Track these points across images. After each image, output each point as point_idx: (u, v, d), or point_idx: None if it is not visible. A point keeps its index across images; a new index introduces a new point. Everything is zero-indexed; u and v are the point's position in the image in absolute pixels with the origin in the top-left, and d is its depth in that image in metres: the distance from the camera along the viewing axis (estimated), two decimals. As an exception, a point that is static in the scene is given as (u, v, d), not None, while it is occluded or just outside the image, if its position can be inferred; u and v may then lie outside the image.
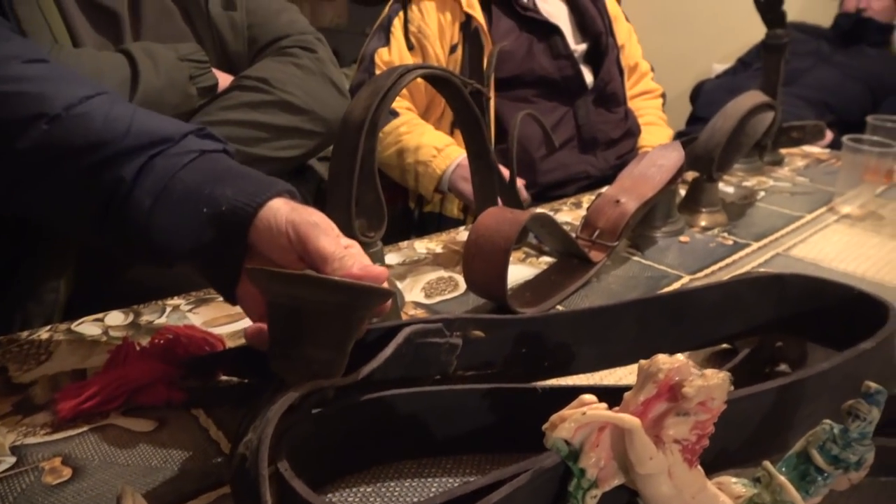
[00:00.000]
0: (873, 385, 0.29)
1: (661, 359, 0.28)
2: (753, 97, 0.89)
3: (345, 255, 0.40)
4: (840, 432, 0.30)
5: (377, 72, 1.28)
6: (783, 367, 0.50)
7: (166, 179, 0.43)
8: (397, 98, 1.26)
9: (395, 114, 1.26)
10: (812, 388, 0.35)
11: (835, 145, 1.61)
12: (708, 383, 0.28)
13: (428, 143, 1.22)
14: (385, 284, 0.38)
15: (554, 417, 0.29)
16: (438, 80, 0.61)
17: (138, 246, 0.44)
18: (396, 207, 1.43)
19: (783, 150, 1.22)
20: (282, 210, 0.42)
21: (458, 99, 0.63)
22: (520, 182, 1.19)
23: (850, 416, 0.30)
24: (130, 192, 0.43)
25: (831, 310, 0.44)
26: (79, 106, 0.46)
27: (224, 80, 0.85)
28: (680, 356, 0.28)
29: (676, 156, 0.78)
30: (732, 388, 0.29)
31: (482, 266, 0.56)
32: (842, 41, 1.92)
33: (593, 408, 0.28)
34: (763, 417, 0.34)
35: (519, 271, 0.71)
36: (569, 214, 0.92)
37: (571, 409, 0.29)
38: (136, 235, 0.43)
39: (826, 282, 0.44)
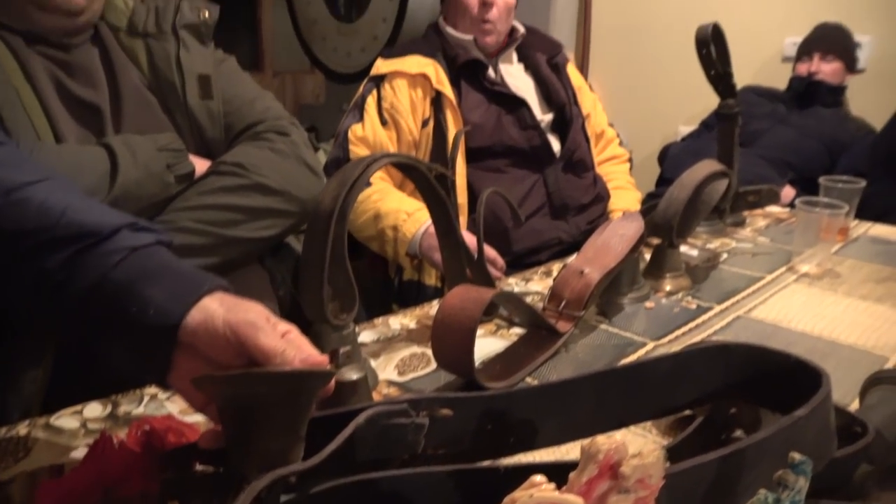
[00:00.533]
0: (797, 456, 0.32)
1: (600, 440, 0.31)
2: (708, 166, 0.95)
3: (286, 348, 0.41)
4: (774, 502, 0.33)
5: (351, 147, 1.33)
6: (738, 432, 0.52)
7: (96, 279, 0.43)
8: None
9: (368, 184, 1.31)
10: (752, 457, 0.37)
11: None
12: (643, 462, 0.30)
13: (399, 207, 1.26)
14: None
15: (505, 501, 0.31)
16: (405, 166, 0.65)
17: (69, 337, 0.44)
18: (376, 277, 1.46)
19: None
20: (217, 312, 0.43)
21: (424, 182, 0.67)
22: (492, 253, 1.22)
23: (780, 486, 0.32)
24: (60, 288, 0.44)
25: (774, 376, 0.47)
26: (18, 192, 0.47)
27: (201, 165, 0.88)
28: (618, 436, 0.31)
29: (636, 226, 0.82)
30: (668, 464, 0.31)
31: (450, 344, 0.59)
32: (797, 103, 2.03)
33: (541, 489, 0.31)
34: (707, 487, 0.36)
35: (490, 344, 0.74)
36: (539, 283, 0.96)
37: (522, 490, 0.31)
38: (65, 330, 0.44)
39: (767, 350, 0.47)
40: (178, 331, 0.43)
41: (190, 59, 0.92)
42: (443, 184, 0.70)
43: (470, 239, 1.16)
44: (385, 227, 1.26)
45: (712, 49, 1.12)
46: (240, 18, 6.20)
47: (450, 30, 1.44)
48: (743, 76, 2.31)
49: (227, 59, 0.99)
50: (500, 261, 1.23)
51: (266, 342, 0.42)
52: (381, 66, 1.38)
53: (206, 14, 0.95)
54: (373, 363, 0.69)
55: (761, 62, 2.41)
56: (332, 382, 0.40)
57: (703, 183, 0.93)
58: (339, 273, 0.59)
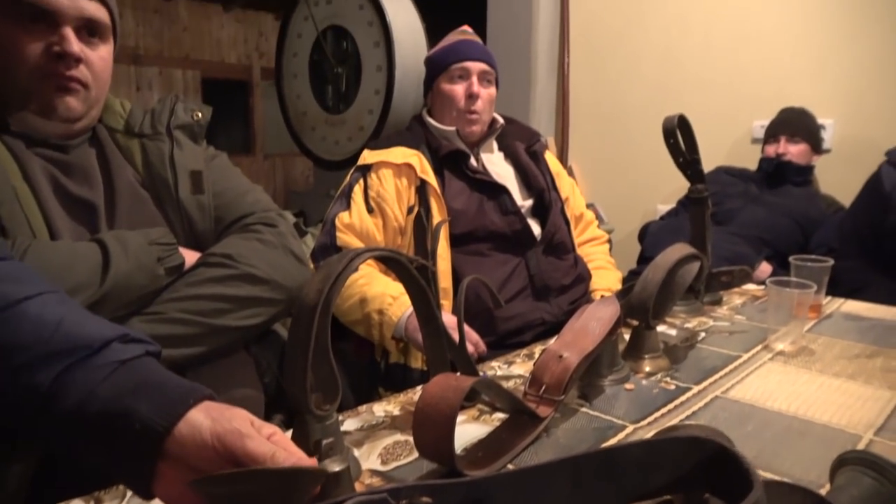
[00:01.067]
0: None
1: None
2: (680, 250, 0.99)
3: (274, 451, 0.43)
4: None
5: (339, 234, 1.37)
6: (713, 519, 0.53)
7: (85, 395, 0.45)
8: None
9: (354, 269, 1.34)
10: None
11: (775, 276, 1.72)
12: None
13: (385, 292, 1.29)
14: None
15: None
16: (386, 259, 0.68)
17: (57, 449, 0.45)
18: (363, 361, 1.46)
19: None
20: (204, 424, 0.45)
21: (405, 273, 0.70)
22: (474, 336, 1.24)
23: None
24: (48, 405, 0.45)
25: (729, 472, 0.48)
26: (17, 306, 0.50)
27: (191, 257, 0.91)
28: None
29: (612, 309, 0.85)
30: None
31: (430, 433, 0.60)
32: (767, 183, 2.11)
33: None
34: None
35: (473, 430, 0.75)
36: (522, 367, 0.97)
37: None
38: (51, 443, 0.45)
39: (725, 450, 0.49)
40: (163, 443, 0.44)
41: (183, 156, 0.97)
42: (424, 274, 0.73)
43: (452, 321, 1.19)
44: (371, 312, 1.28)
45: (679, 138, 1.19)
46: (234, 107, 6.42)
47: (433, 122, 1.52)
48: (715, 157, 2.43)
49: (218, 155, 1.04)
50: (482, 345, 1.25)
51: (255, 447, 0.43)
52: (367, 156, 1.44)
53: (200, 115, 1.01)
54: (356, 452, 0.69)
55: (732, 143, 2.53)
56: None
57: (676, 266, 0.96)
58: (322, 365, 0.61)
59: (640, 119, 2.71)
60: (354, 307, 1.31)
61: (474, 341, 1.24)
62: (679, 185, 2.45)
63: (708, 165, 2.17)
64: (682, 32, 2.59)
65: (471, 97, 1.48)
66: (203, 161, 0.99)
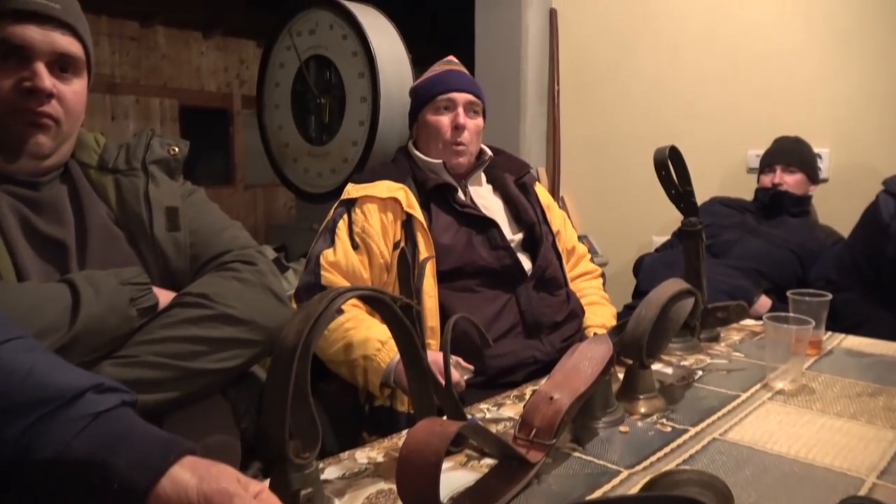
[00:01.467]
0: None
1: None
2: (673, 285, 1.00)
3: None
4: None
5: (323, 273, 1.38)
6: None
7: (58, 450, 0.45)
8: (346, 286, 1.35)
9: (340, 311, 1.34)
10: None
11: (775, 310, 1.74)
12: None
13: (373, 336, 1.28)
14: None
15: None
16: (369, 299, 0.69)
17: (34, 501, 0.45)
18: (346, 403, 1.45)
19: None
20: (190, 483, 0.45)
21: (389, 313, 0.71)
22: (459, 376, 1.24)
23: None
24: (19, 459, 0.44)
25: None
26: None
27: (166, 297, 0.91)
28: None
29: (605, 348, 0.86)
30: None
31: (414, 481, 0.60)
32: (764, 213, 2.14)
33: None
34: None
35: (461, 477, 0.75)
36: (512, 409, 0.97)
37: None
38: (29, 495, 0.45)
39: None
40: (144, 501, 0.44)
41: (158, 192, 0.97)
42: (409, 313, 0.73)
43: (437, 359, 1.18)
44: (357, 358, 1.28)
45: (671, 170, 1.21)
46: (214, 136, 6.45)
47: (419, 154, 1.54)
48: (709, 187, 2.48)
49: (195, 191, 1.05)
50: (469, 369, 1.25)
51: None
52: (351, 190, 1.46)
53: (176, 150, 1.02)
54: (337, 502, 0.69)
55: (726, 173, 2.57)
56: None
57: (671, 302, 0.98)
58: (301, 410, 0.61)
59: (633, 149, 2.75)
60: (339, 352, 1.31)
61: (455, 380, 1.23)
62: (675, 215, 2.48)
63: (702, 196, 2.19)
64: (674, 60, 2.66)
65: (457, 128, 1.51)
66: (179, 197, 1.00)
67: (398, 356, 1.27)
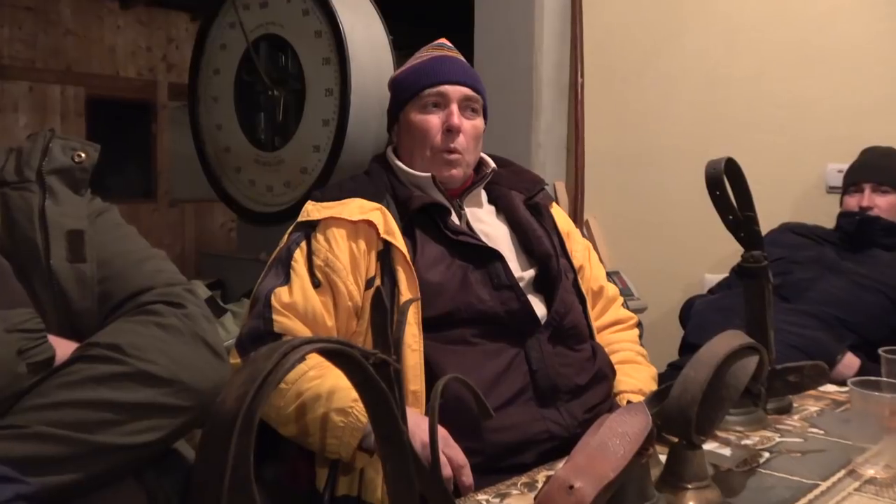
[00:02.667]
0: None
1: None
2: (731, 339, 1.01)
3: None
4: None
5: (276, 318, 1.37)
6: None
7: None
8: (306, 333, 1.34)
9: (301, 358, 1.34)
10: None
11: (865, 372, 1.74)
12: None
13: (347, 385, 1.26)
14: None
15: None
16: (333, 355, 0.69)
17: None
18: (299, 491, 1.44)
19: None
20: None
21: (358, 374, 0.71)
22: (457, 458, 1.23)
23: None
24: None
25: None
26: None
27: (65, 348, 0.91)
28: None
29: (641, 421, 0.86)
30: None
31: None
32: (848, 245, 2.16)
33: None
34: None
35: (451, 591, 0.74)
36: (520, 501, 0.97)
37: None
38: None
39: None
40: None
41: (58, 211, 0.98)
42: (384, 373, 0.73)
43: (421, 433, 1.18)
44: (330, 413, 1.26)
45: (727, 189, 1.23)
46: (131, 136, 6.47)
47: (401, 165, 1.55)
48: (779, 211, 2.50)
49: (106, 209, 1.05)
50: (467, 473, 1.24)
51: None
52: (312, 210, 1.47)
53: (83, 155, 1.03)
54: None
55: (800, 194, 2.60)
56: None
57: (727, 360, 0.98)
58: (241, 502, 0.60)
59: (678, 161, 2.78)
60: (301, 409, 1.29)
61: (456, 465, 1.23)
62: (733, 247, 2.50)
63: (769, 222, 2.20)
64: (730, 50, 2.71)
65: (449, 131, 1.52)
66: (85, 218, 1.00)
67: None
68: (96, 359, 0.89)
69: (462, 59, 1.63)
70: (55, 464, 0.83)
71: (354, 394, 1.25)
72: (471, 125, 1.55)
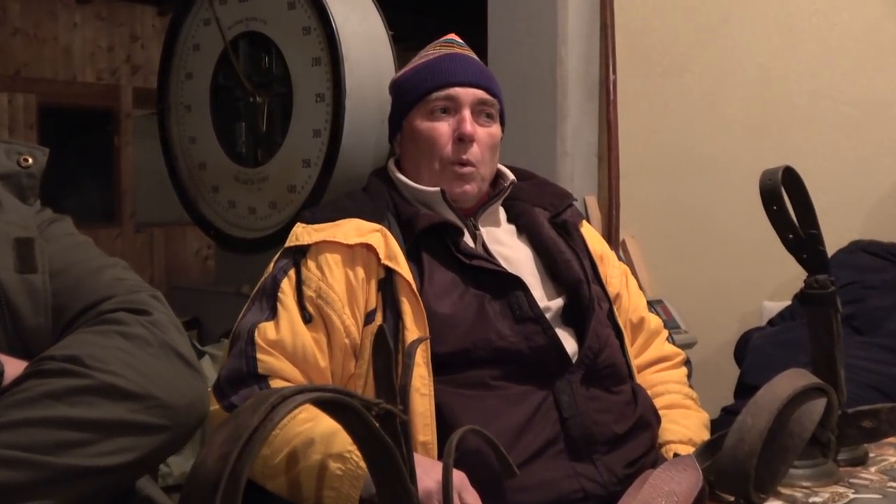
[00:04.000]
0: None
1: None
2: (794, 379, 1.01)
3: None
4: None
5: (260, 357, 1.38)
6: None
7: None
8: (295, 375, 1.34)
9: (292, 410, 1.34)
10: None
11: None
12: None
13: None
14: None
15: None
16: (330, 405, 0.70)
17: None
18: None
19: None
20: None
21: (360, 426, 0.72)
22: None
23: None
24: None
25: None
26: None
27: (16, 366, 0.92)
28: None
29: (691, 477, 0.87)
30: None
31: None
32: (935, 267, 2.16)
33: None
34: None
35: None
36: (549, 572, 0.97)
37: None
38: None
39: None
40: None
41: (2, 219, 0.99)
42: (389, 426, 0.74)
43: (433, 491, 1.17)
44: (326, 459, 1.26)
45: (786, 203, 1.23)
46: (90, 150, 6.50)
47: (404, 179, 1.56)
48: (848, 227, 2.49)
49: (58, 219, 1.07)
50: None
51: None
52: (302, 233, 1.48)
53: (30, 160, 1.05)
54: None
55: (874, 207, 2.59)
56: None
57: (790, 405, 0.98)
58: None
59: (729, 171, 2.78)
60: (293, 457, 1.29)
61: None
62: (795, 271, 2.50)
63: (837, 240, 2.19)
64: (789, 42, 2.71)
65: (461, 140, 1.53)
66: (35, 226, 1.02)
67: None
68: (52, 373, 0.89)
69: (474, 57, 1.64)
70: (11, 491, 0.82)
71: None
72: (485, 133, 1.56)
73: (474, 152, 1.54)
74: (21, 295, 0.97)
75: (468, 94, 1.55)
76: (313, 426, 1.29)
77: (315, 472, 1.27)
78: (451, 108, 1.55)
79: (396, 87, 1.64)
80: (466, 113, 1.54)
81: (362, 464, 1.23)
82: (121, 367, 0.91)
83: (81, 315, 0.99)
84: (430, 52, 1.63)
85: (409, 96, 1.59)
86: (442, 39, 1.66)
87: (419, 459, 1.24)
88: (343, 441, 1.26)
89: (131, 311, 0.99)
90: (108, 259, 1.08)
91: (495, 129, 1.59)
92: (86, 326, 0.97)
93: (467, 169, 1.54)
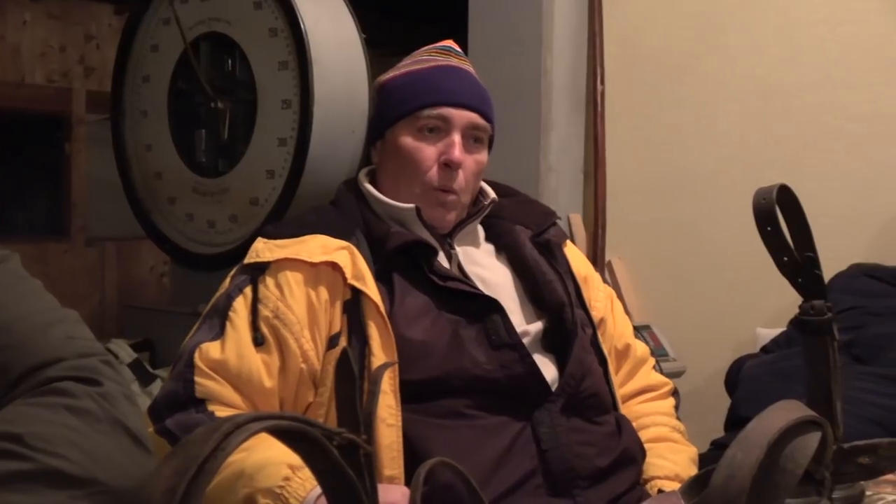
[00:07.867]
0: None
1: None
2: (786, 411, 1.01)
3: None
4: None
5: (198, 380, 1.37)
6: None
7: None
8: (235, 400, 1.33)
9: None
10: None
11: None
12: None
13: (278, 459, 1.25)
14: None
15: None
16: (287, 434, 0.69)
17: None
18: None
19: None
20: None
21: (320, 458, 0.71)
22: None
23: None
24: None
25: None
26: None
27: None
28: None
29: (676, 515, 0.86)
30: None
31: None
32: (938, 293, 2.18)
33: None
34: None
35: None
36: None
37: None
38: None
39: None
40: None
41: None
42: (352, 458, 0.73)
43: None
44: (255, 493, 1.25)
45: (781, 223, 1.24)
46: (39, 158, 6.49)
47: (376, 194, 1.56)
48: (848, 249, 2.50)
49: (6, 258, 1.06)
50: None
51: None
52: (262, 249, 1.47)
53: None
54: None
55: (877, 229, 2.61)
56: None
57: (783, 439, 0.98)
58: None
59: (723, 190, 2.80)
60: (218, 490, 1.28)
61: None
62: (792, 296, 2.51)
63: (838, 264, 2.21)
64: (789, 54, 2.73)
65: (447, 166, 1.53)
66: None
67: (319, 489, 1.25)
68: None
69: (472, 71, 1.64)
70: None
71: (286, 470, 1.26)
72: (473, 160, 1.56)
73: (459, 181, 1.54)
74: None
75: (462, 116, 1.55)
76: (246, 457, 1.27)
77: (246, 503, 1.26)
78: (442, 128, 1.55)
79: (384, 92, 1.64)
80: (457, 137, 1.54)
81: (294, 498, 1.22)
82: (66, 448, 0.90)
83: (25, 378, 0.97)
84: (425, 59, 1.63)
85: (398, 108, 1.58)
86: (439, 45, 1.66)
87: (384, 487, 1.23)
88: (274, 475, 1.25)
89: (80, 381, 0.97)
90: (59, 312, 1.06)
91: (483, 155, 1.59)
92: (30, 396, 0.95)
93: (451, 197, 1.54)
